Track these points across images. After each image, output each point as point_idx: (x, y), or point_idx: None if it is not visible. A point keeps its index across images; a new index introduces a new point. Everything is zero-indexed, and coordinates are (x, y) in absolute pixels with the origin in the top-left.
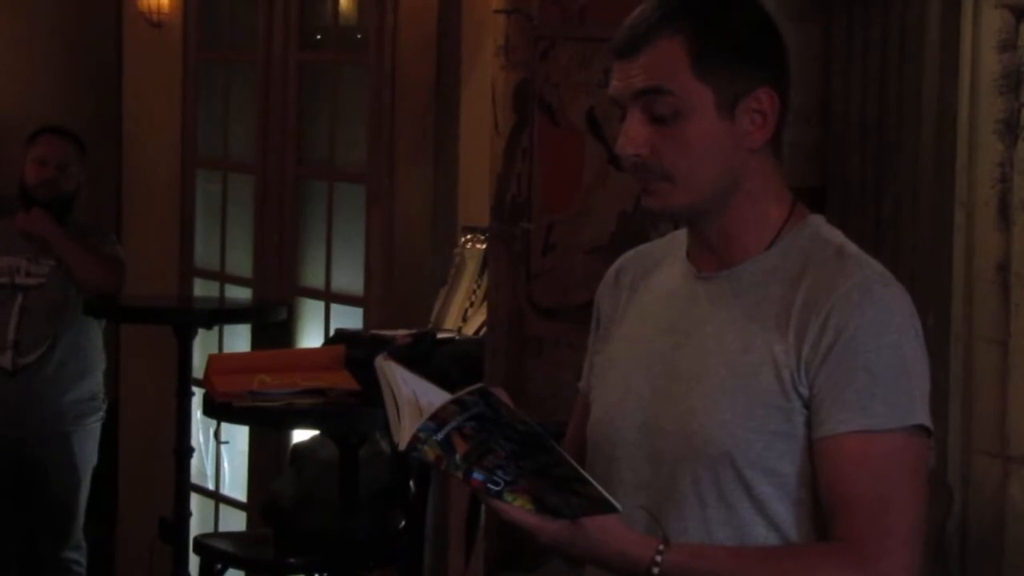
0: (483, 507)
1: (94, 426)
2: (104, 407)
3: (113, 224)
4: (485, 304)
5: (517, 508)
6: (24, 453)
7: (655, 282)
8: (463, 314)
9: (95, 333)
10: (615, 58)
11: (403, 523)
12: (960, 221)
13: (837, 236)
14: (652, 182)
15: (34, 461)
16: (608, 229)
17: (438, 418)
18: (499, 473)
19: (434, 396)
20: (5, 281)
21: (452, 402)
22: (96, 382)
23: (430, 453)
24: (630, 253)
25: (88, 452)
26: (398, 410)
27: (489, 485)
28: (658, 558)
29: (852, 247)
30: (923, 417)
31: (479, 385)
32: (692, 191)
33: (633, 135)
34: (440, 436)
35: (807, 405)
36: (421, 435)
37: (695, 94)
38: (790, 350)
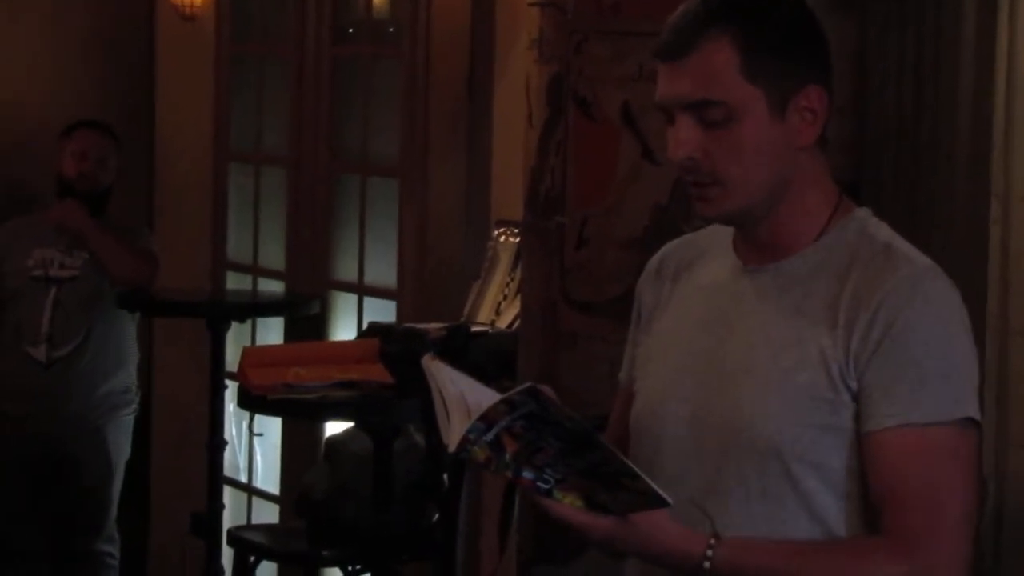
0: (517, 501)
1: (127, 419)
2: (137, 400)
3: (146, 218)
4: (518, 297)
5: (567, 506)
6: (57, 445)
7: (699, 274)
8: (496, 307)
9: (129, 326)
10: (660, 61)
11: (437, 516)
12: (996, 214)
13: (884, 230)
14: (705, 188)
15: (67, 453)
16: (642, 223)
17: (488, 418)
18: (548, 471)
19: (482, 396)
20: (39, 274)
21: (501, 402)
22: (129, 375)
23: (480, 454)
24: (672, 244)
25: (121, 444)
26: (447, 411)
27: (539, 484)
28: (709, 552)
29: (900, 241)
30: (972, 410)
31: (528, 384)
32: (746, 194)
33: (684, 139)
34: (490, 436)
35: (855, 399)
36: (471, 436)
37: (747, 97)
38: (838, 344)
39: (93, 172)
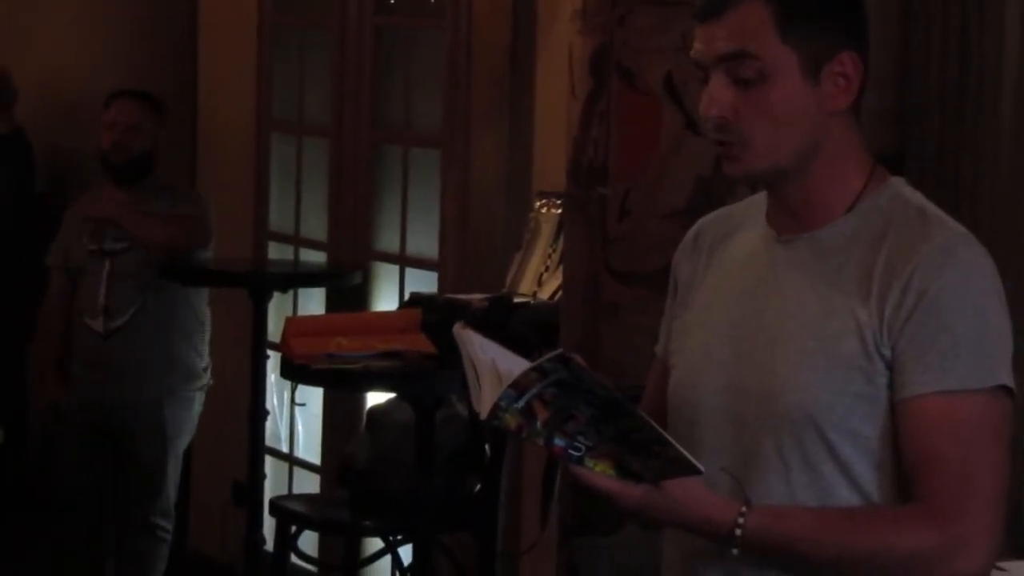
0: (559, 471)
1: (188, 394)
2: (206, 377)
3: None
4: (560, 269)
5: (598, 474)
6: (116, 416)
7: (734, 246)
8: (538, 278)
9: (194, 299)
10: (698, 22)
11: (478, 486)
12: None
13: (918, 198)
14: (732, 147)
15: (124, 424)
16: (685, 194)
17: (519, 386)
18: (580, 439)
19: (513, 363)
20: (94, 247)
21: (532, 369)
22: (193, 349)
23: (511, 421)
24: (708, 217)
25: (179, 420)
26: (478, 379)
27: (570, 451)
28: (740, 520)
29: (933, 208)
30: (1006, 378)
31: (559, 351)
32: (773, 155)
33: (716, 96)
34: (521, 404)
35: (889, 367)
36: (502, 403)
37: (780, 57)
38: (872, 312)
39: (124, 140)
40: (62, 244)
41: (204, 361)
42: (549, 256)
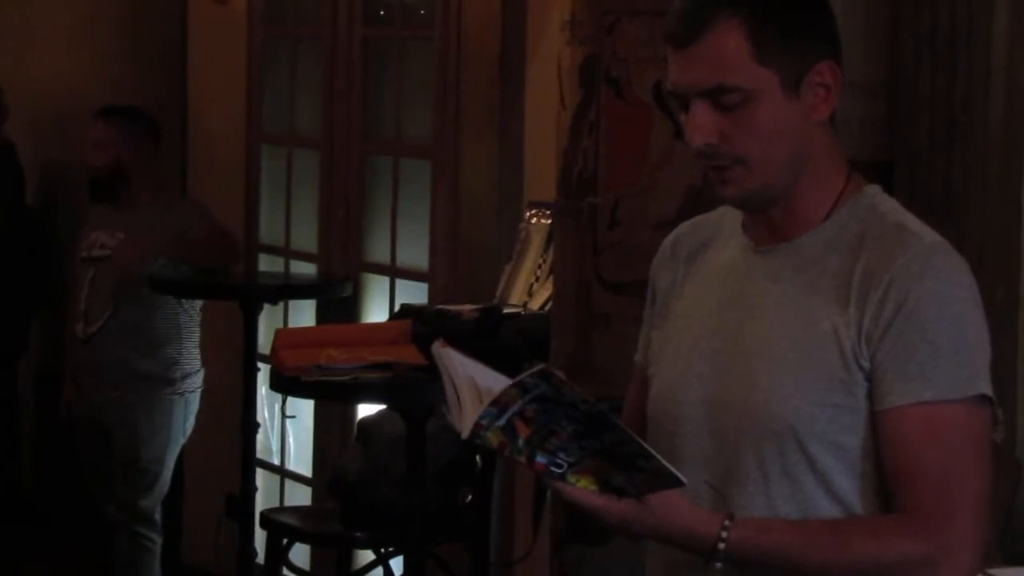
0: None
1: (161, 399)
2: (185, 384)
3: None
4: (551, 279)
5: (581, 489)
6: (99, 418)
7: (711, 255)
8: (529, 289)
9: (169, 308)
10: (671, 47)
11: (470, 497)
12: None
13: (895, 207)
14: (726, 170)
15: (105, 425)
16: (675, 204)
17: (500, 403)
18: (562, 455)
19: (493, 380)
20: (84, 255)
21: (513, 386)
22: (163, 356)
23: (493, 439)
24: (685, 225)
25: (154, 425)
26: (459, 397)
27: (552, 468)
28: (724, 534)
29: (910, 218)
30: (985, 387)
31: (540, 366)
32: (768, 172)
33: (701, 124)
34: (502, 421)
35: (868, 378)
36: (483, 422)
37: (760, 80)
38: (851, 322)
39: (91, 160)
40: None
41: (182, 369)
42: (539, 266)
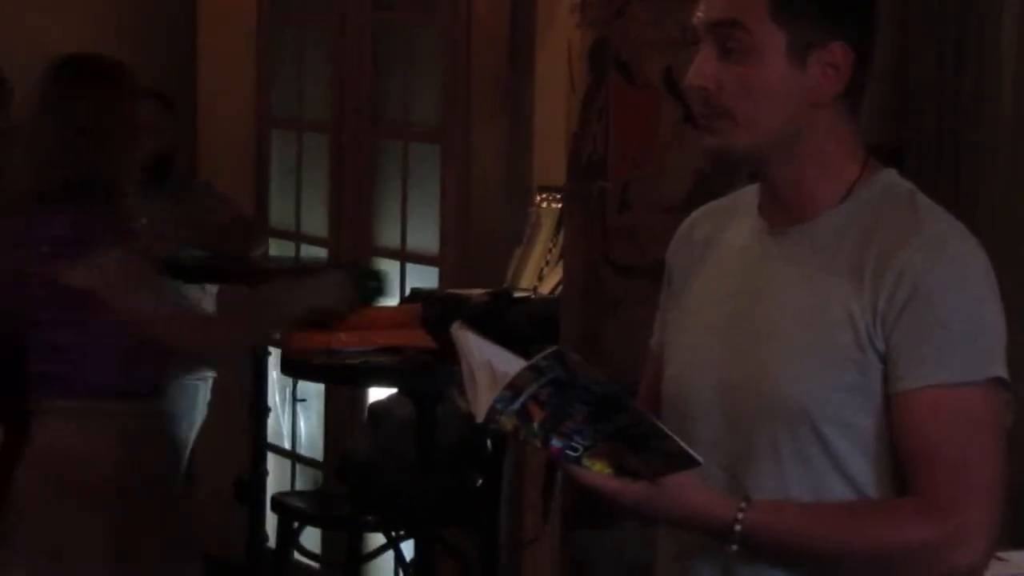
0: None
1: (191, 385)
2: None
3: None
4: (560, 263)
5: (596, 473)
6: None
7: (727, 239)
8: (539, 273)
9: (194, 294)
10: None
11: (479, 481)
12: None
13: (910, 190)
14: (713, 119)
15: None
16: (685, 187)
17: (514, 386)
18: (576, 438)
19: (509, 363)
20: None
21: (527, 368)
22: None
23: (508, 424)
24: (702, 209)
25: (182, 411)
26: (475, 380)
27: (567, 452)
28: (739, 515)
29: (926, 200)
30: (1000, 370)
31: (554, 348)
32: (752, 133)
33: (701, 67)
34: (516, 405)
35: (883, 359)
36: (498, 406)
37: (767, 35)
38: (865, 305)
39: (144, 145)
40: None
41: None
42: (550, 251)
